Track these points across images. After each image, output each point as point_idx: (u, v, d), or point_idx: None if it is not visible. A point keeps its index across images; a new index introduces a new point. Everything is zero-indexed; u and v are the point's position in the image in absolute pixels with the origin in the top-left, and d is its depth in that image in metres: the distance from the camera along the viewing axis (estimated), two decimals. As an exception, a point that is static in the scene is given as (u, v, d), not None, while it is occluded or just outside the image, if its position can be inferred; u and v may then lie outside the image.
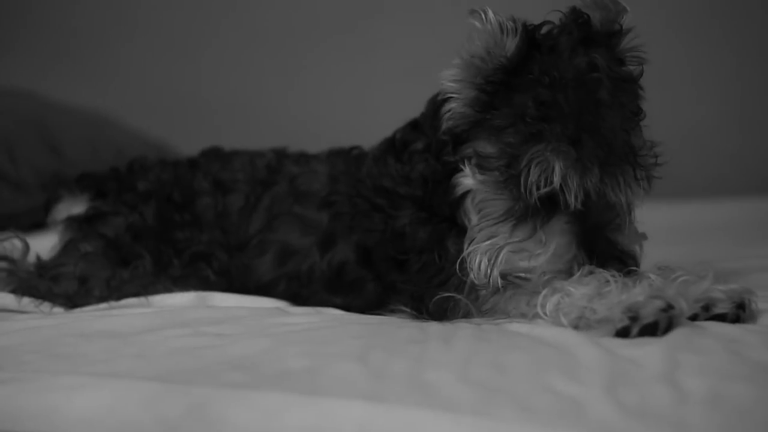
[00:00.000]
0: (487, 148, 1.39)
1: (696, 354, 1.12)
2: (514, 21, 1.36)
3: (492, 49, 1.36)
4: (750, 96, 3.61)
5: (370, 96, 3.57)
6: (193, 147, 2.06)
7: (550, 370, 1.09)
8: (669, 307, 1.23)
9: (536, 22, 1.41)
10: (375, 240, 1.55)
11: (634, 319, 1.22)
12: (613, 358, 1.13)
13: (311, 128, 3.51)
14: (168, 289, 1.65)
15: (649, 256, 1.46)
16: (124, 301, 1.62)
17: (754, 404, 0.98)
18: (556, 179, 1.32)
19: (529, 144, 1.33)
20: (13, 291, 1.67)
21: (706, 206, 3.15)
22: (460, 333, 1.28)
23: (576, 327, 1.29)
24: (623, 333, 1.22)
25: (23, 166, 2.70)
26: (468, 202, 1.45)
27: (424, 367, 1.12)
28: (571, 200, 1.33)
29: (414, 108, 1.59)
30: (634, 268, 1.36)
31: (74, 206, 1.79)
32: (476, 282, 1.40)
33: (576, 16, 1.39)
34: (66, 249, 1.73)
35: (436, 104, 1.50)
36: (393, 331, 1.31)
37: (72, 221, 1.76)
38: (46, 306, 1.63)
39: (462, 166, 1.44)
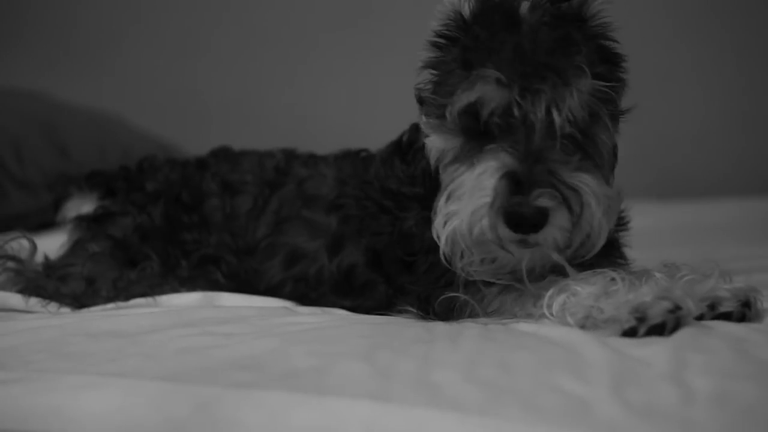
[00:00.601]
0: (437, 101, 1.39)
1: (702, 353, 1.12)
2: None
3: (451, 16, 1.39)
4: (753, 97, 3.61)
5: (376, 94, 3.57)
6: (199, 147, 2.07)
7: (556, 369, 1.09)
8: (677, 308, 1.23)
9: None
10: (384, 242, 1.54)
11: (641, 319, 1.22)
12: (619, 357, 1.13)
13: (317, 127, 3.52)
14: (175, 290, 1.65)
15: (654, 255, 1.46)
16: (131, 301, 1.63)
17: (760, 403, 0.98)
18: (473, 96, 1.31)
19: (460, 77, 1.34)
20: (21, 291, 1.67)
21: (710, 206, 3.15)
22: (467, 332, 1.28)
23: (583, 327, 1.29)
24: (630, 333, 1.22)
25: (30, 167, 2.70)
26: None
27: (431, 366, 1.12)
28: (486, 116, 1.31)
29: (415, 106, 1.59)
30: (577, 209, 1.29)
31: (84, 205, 1.80)
32: (444, 250, 1.37)
33: None
34: (74, 249, 1.74)
35: None
36: (399, 331, 1.31)
37: (81, 221, 1.77)
38: (53, 306, 1.64)
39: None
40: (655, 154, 3.53)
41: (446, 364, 1.13)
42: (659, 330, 1.21)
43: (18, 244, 1.76)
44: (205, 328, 1.35)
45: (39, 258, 1.75)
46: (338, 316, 1.50)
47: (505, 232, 1.29)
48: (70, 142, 2.89)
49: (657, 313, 1.22)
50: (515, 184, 1.28)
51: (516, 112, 1.30)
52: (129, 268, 1.68)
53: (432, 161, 1.42)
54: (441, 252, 1.37)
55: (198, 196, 1.75)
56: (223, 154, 1.83)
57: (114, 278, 1.67)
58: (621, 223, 1.53)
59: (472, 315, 1.42)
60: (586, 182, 1.31)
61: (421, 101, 1.45)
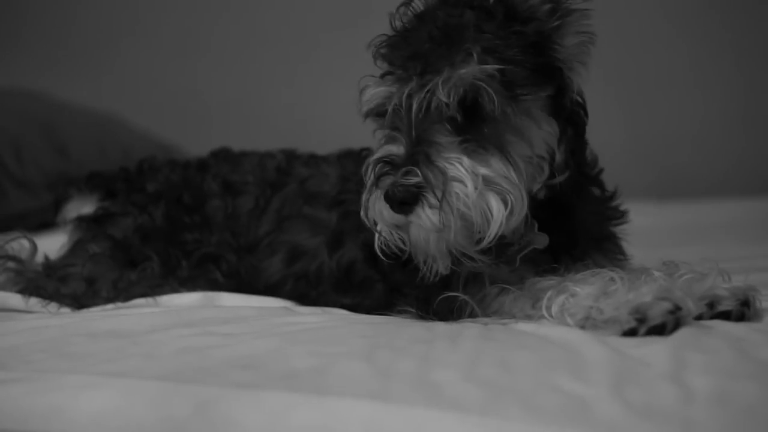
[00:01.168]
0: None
1: (702, 353, 1.12)
2: None
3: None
4: (754, 97, 3.61)
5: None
6: (199, 147, 2.07)
7: (556, 369, 1.09)
8: (677, 309, 1.23)
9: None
10: None
11: (641, 320, 1.22)
12: (619, 357, 1.13)
13: (317, 127, 3.52)
14: (175, 291, 1.66)
15: (654, 255, 1.46)
16: (131, 302, 1.63)
17: (760, 402, 0.98)
18: (368, 94, 1.37)
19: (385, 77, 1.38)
20: (21, 291, 1.68)
21: (710, 206, 3.15)
22: (467, 332, 1.28)
23: (582, 327, 1.28)
24: (630, 334, 1.22)
25: (30, 167, 2.70)
26: None
27: (431, 366, 1.12)
28: (375, 108, 1.38)
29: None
30: (440, 187, 1.29)
31: (84, 206, 1.80)
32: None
33: None
34: (74, 250, 1.74)
35: None
36: (399, 331, 1.31)
37: (81, 221, 1.77)
38: (53, 306, 1.64)
39: None
40: (655, 154, 3.53)
41: (446, 364, 1.13)
42: (659, 331, 1.21)
43: (18, 245, 1.76)
44: (204, 328, 1.35)
45: (39, 258, 1.75)
46: (338, 315, 1.51)
47: (389, 213, 1.32)
48: (69, 142, 2.90)
49: (657, 314, 1.22)
50: (392, 167, 1.32)
51: (401, 101, 1.34)
52: (129, 269, 1.69)
53: None
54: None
55: (199, 196, 1.75)
56: (223, 155, 1.84)
57: (114, 279, 1.67)
58: (617, 217, 1.53)
59: (472, 315, 1.42)
60: (459, 162, 1.31)
61: None
